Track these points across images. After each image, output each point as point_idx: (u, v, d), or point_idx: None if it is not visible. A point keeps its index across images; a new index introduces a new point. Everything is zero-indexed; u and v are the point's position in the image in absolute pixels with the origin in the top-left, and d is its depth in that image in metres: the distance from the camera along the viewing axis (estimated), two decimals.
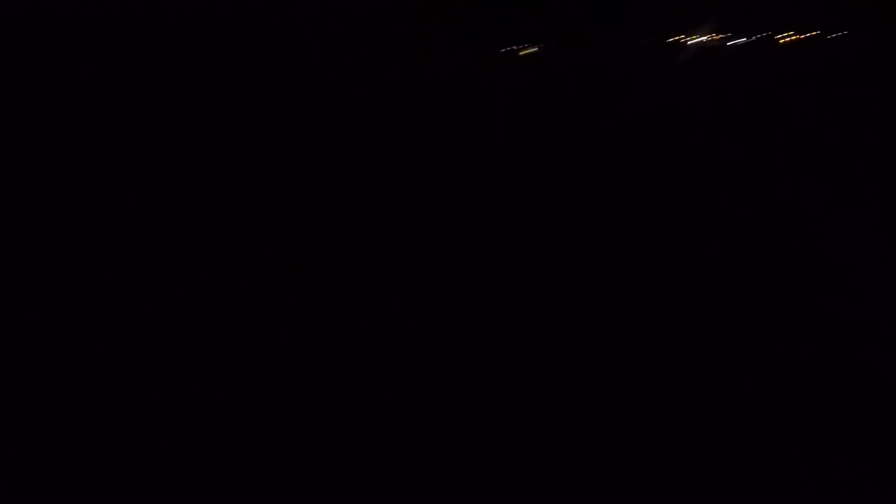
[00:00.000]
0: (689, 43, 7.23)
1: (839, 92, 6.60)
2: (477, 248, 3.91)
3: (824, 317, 3.35)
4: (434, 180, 4.72)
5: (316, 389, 2.84)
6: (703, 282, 3.59)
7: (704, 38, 7.34)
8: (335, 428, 2.65)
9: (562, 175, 4.75)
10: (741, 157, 5.23)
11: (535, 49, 6.52)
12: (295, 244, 3.89)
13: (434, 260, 3.78)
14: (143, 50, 6.47)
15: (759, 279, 3.57)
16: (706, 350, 3.10)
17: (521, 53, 6.54)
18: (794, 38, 7.49)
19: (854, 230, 4.02)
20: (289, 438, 2.59)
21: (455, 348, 3.09)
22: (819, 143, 5.51)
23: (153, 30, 6.87)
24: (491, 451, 2.56)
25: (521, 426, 2.68)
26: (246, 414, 2.70)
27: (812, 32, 7.50)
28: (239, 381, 2.88)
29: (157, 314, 3.29)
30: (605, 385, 2.90)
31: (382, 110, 5.75)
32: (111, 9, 7.24)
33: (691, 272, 3.67)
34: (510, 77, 6.26)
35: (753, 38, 7.47)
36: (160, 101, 5.82)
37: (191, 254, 3.79)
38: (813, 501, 2.39)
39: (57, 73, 6.07)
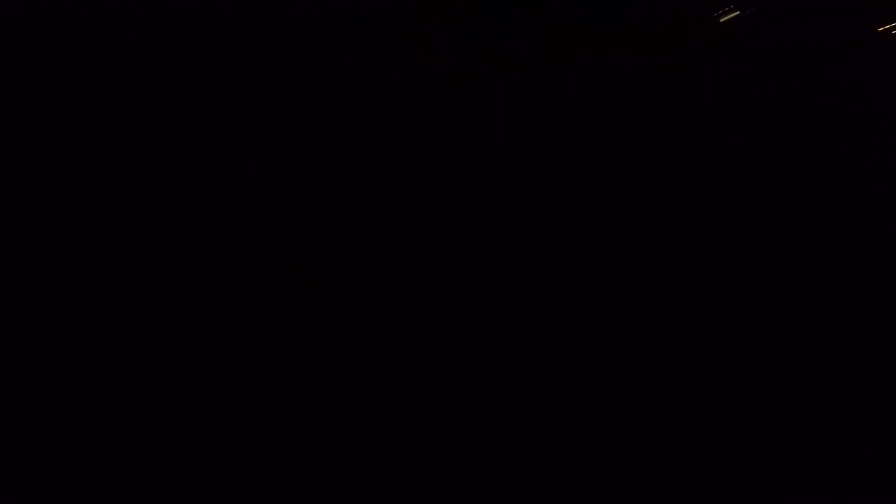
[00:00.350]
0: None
1: None
2: (478, 249, 3.91)
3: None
4: (434, 180, 4.72)
5: (316, 389, 2.84)
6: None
7: None
8: (335, 428, 2.65)
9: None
10: None
11: (737, 13, 6.08)
12: (295, 244, 3.89)
13: (434, 260, 3.78)
14: (143, 50, 6.46)
15: None
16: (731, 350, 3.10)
17: (723, 20, 6.18)
18: None
19: None
20: (289, 438, 2.59)
21: (455, 349, 3.09)
22: None
23: (153, 30, 6.87)
24: (491, 452, 2.56)
25: (521, 426, 2.68)
26: (246, 414, 2.70)
27: None
28: (239, 381, 2.88)
29: (157, 314, 3.28)
30: (609, 386, 2.90)
31: (382, 110, 5.74)
32: (111, 9, 7.23)
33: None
34: (511, 77, 6.26)
35: None
36: (160, 101, 5.82)
37: (191, 254, 3.79)
38: (813, 501, 2.39)
39: (57, 73, 6.07)
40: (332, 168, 4.81)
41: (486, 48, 6.73)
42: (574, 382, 2.91)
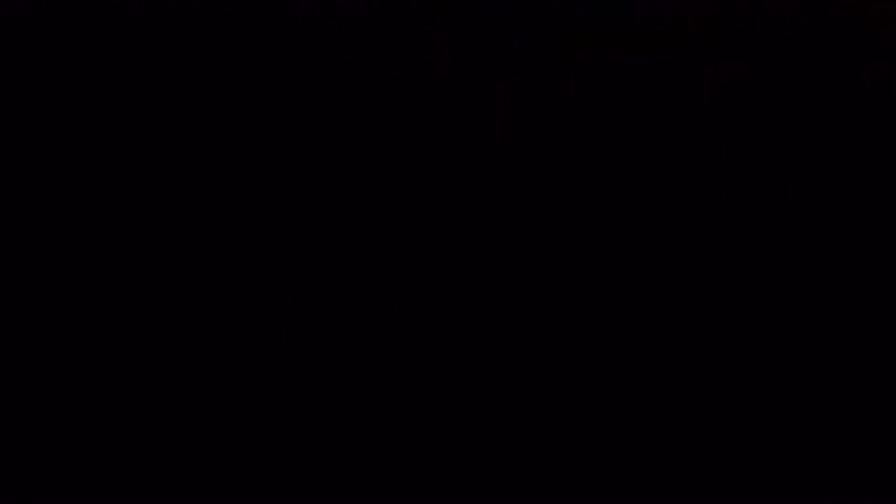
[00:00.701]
0: None
1: None
2: (478, 249, 3.91)
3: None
4: (434, 180, 4.72)
5: (316, 389, 2.84)
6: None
7: None
8: (335, 428, 2.64)
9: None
10: None
11: None
12: (295, 244, 3.89)
13: (434, 260, 3.78)
14: (143, 50, 6.46)
15: None
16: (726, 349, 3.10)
17: None
18: None
19: None
20: (289, 438, 2.59)
21: (455, 349, 3.09)
22: None
23: (153, 30, 6.86)
24: (491, 452, 2.56)
25: (522, 426, 2.68)
26: (246, 414, 2.70)
27: None
28: (239, 381, 2.88)
29: (157, 314, 3.28)
30: (609, 386, 2.90)
31: (382, 110, 5.74)
32: (111, 9, 7.22)
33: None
34: (511, 77, 6.26)
35: None
36: (159, 101, 5.82)
37: (191, 254, 3.79)
38: (813, 501, 2.39)
39: (57, 73, 6.06)
40: (332, 168, 4.81)
41: (486, 48, 6.73)
42: (574, 382, 2.91)
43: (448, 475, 2.44)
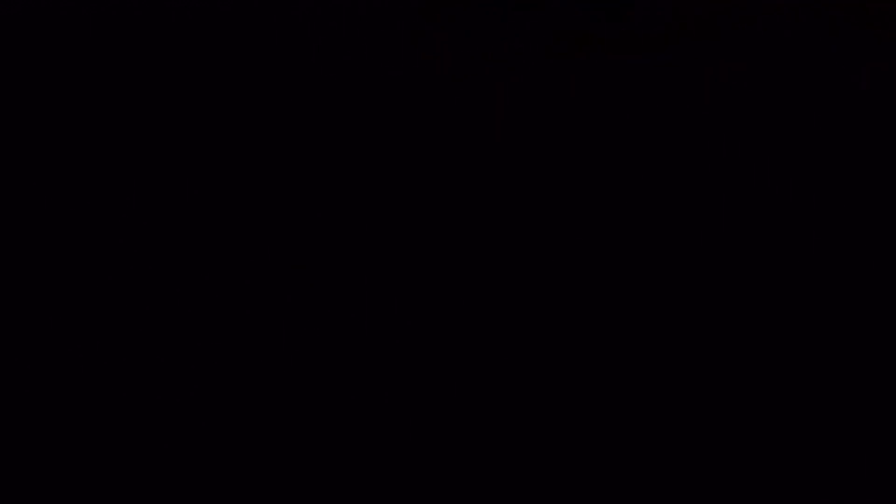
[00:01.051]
0: None
1: None
2: (478, 249, 3.91)
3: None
4: (434, 180, 4.72)
5: (316, 389, 2.84)
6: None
7: None
8: (335, 428, 2.65)
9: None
10: None
11: None
12: (295, 244, 3.89)
13: (434, 260, 3.78)
14: (144, 50, 6.46)
15: None
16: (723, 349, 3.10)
17: None
18: None
19: None
20: (289, 439, 2.59)
21: (455, 349, 3.09)
22: None
23: (153, 30, 6.86)
24: (491, 452, 2.56)
25: (522, 427, 2.68)
26: (246, 414, 2.71)
27: None
28: (239, 381, 2.88)
29: (157, 314, 3.29)
30: (609, 386, 2.90)
31: (382, 110, 5.74)
32: (111, 9, 7.23)
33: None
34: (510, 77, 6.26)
35: None
36: (160, 101, 5.81)
37: (191, 254, 3.79)
38: (813, 501, 2.39)
39: (57, 73, 6.06)
40: (333, 168, 4.81)
41: (486, 48, 6.72)
42: (574, 382, 2.91)
43: (448, 475, 2.45)
